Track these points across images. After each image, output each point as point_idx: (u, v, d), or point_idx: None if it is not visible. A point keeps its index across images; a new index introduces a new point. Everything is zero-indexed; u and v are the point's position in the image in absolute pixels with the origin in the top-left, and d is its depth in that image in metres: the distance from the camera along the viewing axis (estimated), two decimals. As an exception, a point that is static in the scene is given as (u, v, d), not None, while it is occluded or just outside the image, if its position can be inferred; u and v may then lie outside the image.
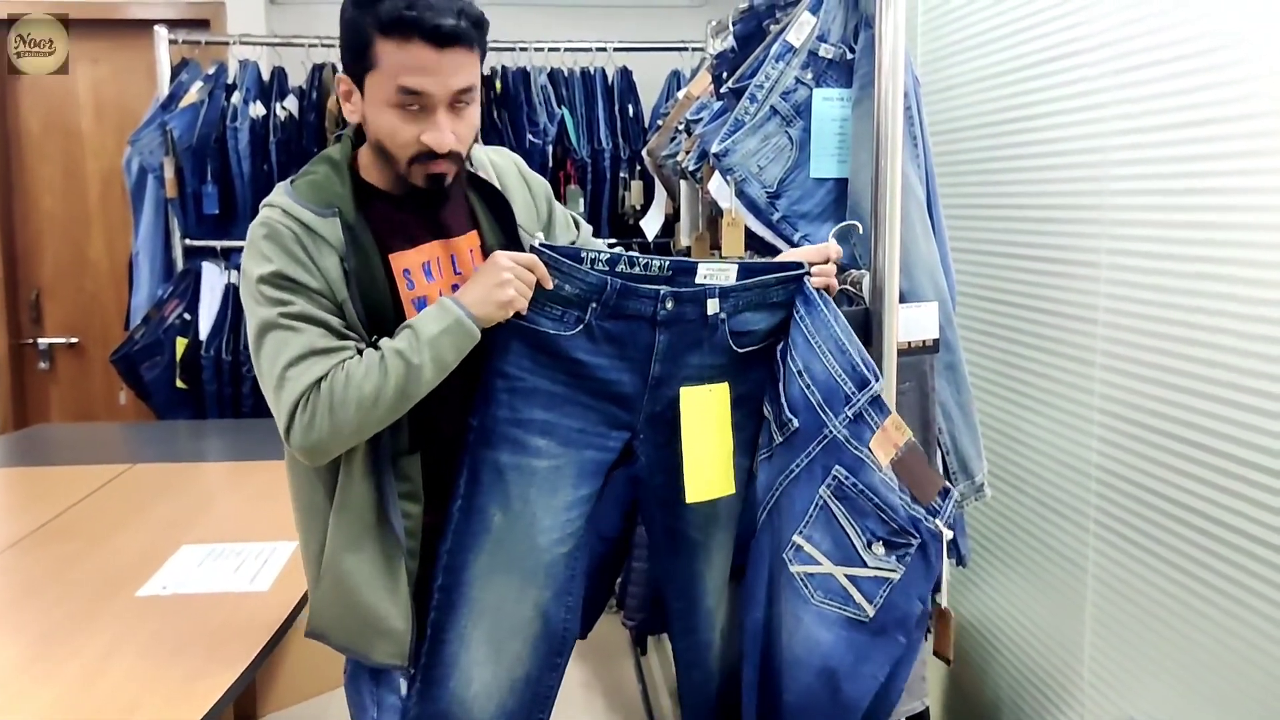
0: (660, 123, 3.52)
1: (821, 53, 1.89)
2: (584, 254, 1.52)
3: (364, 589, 1.44)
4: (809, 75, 1.90)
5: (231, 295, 3.56)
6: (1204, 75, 1.58)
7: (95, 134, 4.27)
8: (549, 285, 1.47)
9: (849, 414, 1.55)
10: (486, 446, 1.53)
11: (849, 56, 1.89)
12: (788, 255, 1.71)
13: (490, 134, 3.67)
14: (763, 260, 1.71)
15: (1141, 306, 1.75)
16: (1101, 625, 1.90)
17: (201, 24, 4.20)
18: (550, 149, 3.73)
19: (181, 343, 3.53)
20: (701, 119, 2.34)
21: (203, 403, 3.55)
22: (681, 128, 2.82)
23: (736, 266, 1.60)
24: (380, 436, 1.41)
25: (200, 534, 2.04)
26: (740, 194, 1.89)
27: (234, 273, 3.58)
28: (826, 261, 1.64)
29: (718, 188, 1.96)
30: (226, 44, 3.72)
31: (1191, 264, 1.62)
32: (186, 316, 3.56)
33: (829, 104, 1.90)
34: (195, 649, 1.54)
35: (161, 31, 3.58)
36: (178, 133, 3.48)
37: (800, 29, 1.90)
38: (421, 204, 1.50)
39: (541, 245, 1.49)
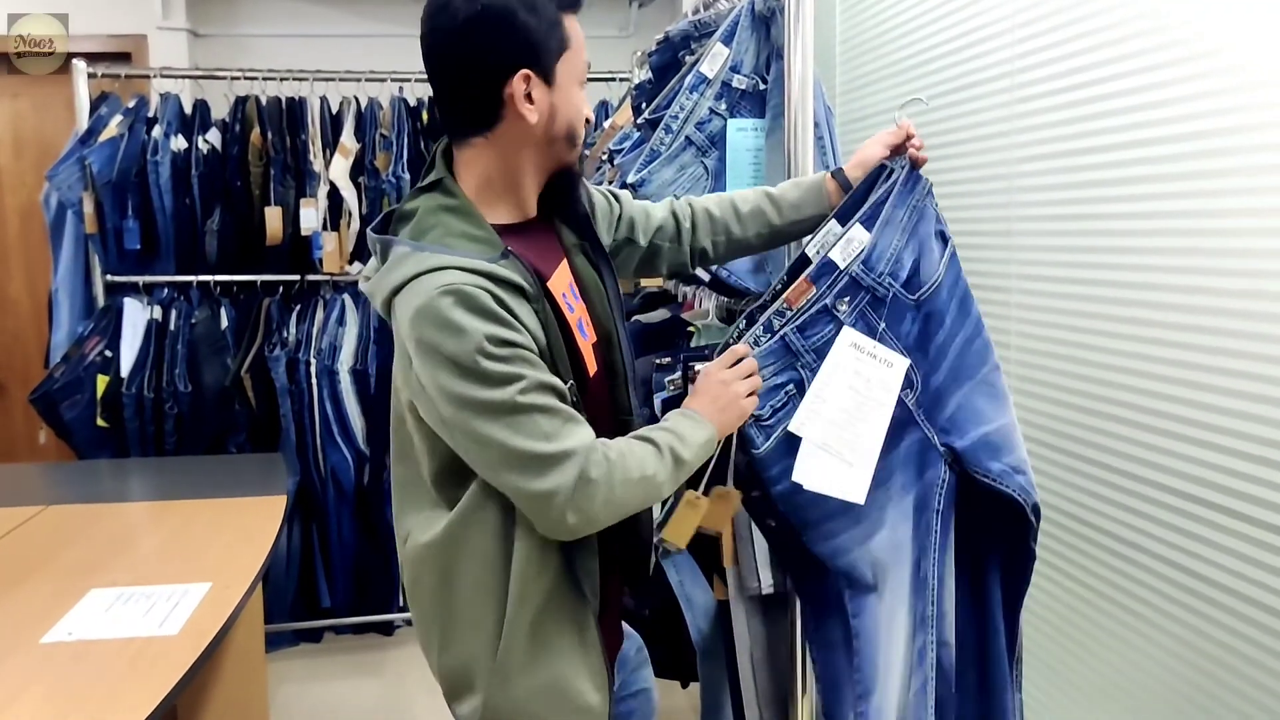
0: (588, 152, 3.53)
1: (735, 83, 1.92)
2: (753, 325, 1.53)
3: (557, 660, 1.36)
4: (723, 106, 1.92)
5: (154, 331, 3.49)
6: (1103, 103, 1.62)
7: (14, 169, 4.19)
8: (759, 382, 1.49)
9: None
10: None
11: (761, 87, 1.91)
12: (857, 158, 1.62)
13: (418, 165, 3.65)
14: (852, 191, 1.61)
15: (1050, 330, 1.78)
16: (1026, 651, 1.91)
17: (123, 57, 4.15)
18: (479, 180, 3.71)
19: (103, 380, 3.45)
20: (623, 149, 2.36)
21: (125, 441, 3.47)
22: (605, 157, 2.83)
23: (833, 217, 1.57)
24: None
25: (112, 577, 1.98)
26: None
27: (156, 308, 3.51)
28: (908, 138, 1.58)
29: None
30: (148, 77, 3.67)
31: (1094, 287, 1.66)
32: (108, 353, 3.48)
33: (743, 134, 1.92)
34: (97, 696, 1.49)
35: (80, 65, 3.52)
36: (97, 167, 3.42)
37: (714, 60, 1.92)
38: (536, 224, 1.43)
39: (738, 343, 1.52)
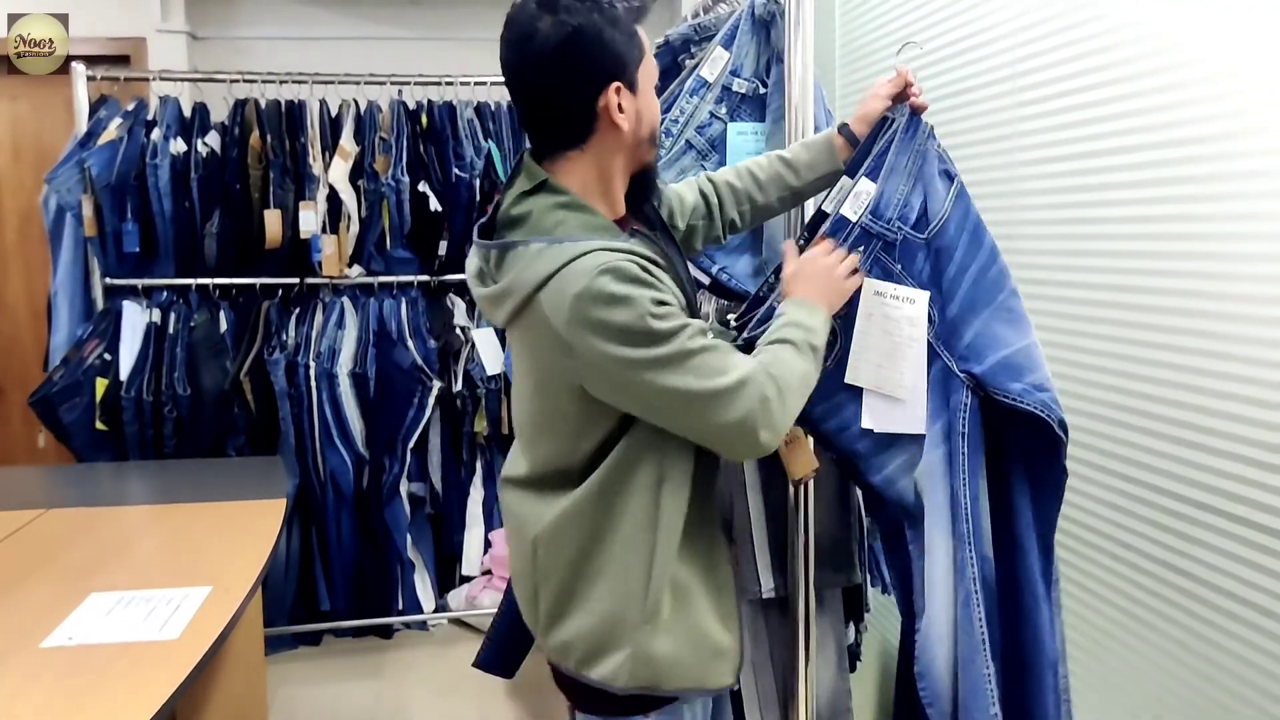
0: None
1: (735, 87, 1.92)
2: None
3: (697, 606, 1.43)
4: (723, 109, 1.92)
5: (153, 334, 3.48)
6: (1104, 107, 1.62)
7: (13, 172, 4.19)
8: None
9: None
10: None
11: (762, 91, 1.91)
12: (860, 111, 1.68)
13: (417, 168, 3.65)
14: (860, 144, 1.67)
15: (1050, 334, 1.78)
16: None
17: (122, 60, 4.15)
18: (477, 183, 3.71)
19: (102, 383, 3.44)
20: (622, 152, 2.35)
21: (124, 444, 3.46)
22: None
23: (842, 173, 1.64)
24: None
25: (112, 581, 1.98)
26: (657, 226, 1.90)
27: (155, 311, 3.51)
28: (907, 86, 1.64)
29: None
30: (147, 80, 3.66)
31: (1095, 291, 1.66)
32: (107, 356, 3.47)
33: (743, 138, 1.92)
34: (97, 700, 1.49)
35: (79, 68, 3.52)
36: (96, 170, 3.41)
37: (714, 64, 1.92)
38: (624, 222, 1.48)
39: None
